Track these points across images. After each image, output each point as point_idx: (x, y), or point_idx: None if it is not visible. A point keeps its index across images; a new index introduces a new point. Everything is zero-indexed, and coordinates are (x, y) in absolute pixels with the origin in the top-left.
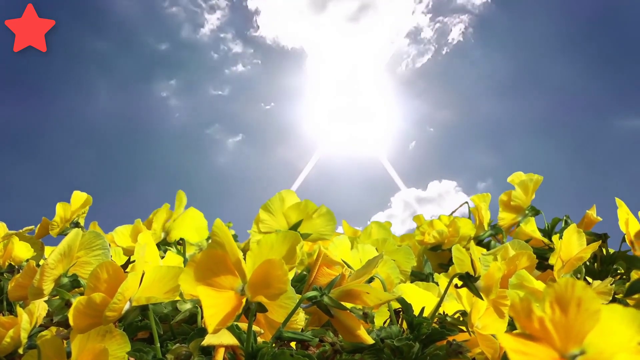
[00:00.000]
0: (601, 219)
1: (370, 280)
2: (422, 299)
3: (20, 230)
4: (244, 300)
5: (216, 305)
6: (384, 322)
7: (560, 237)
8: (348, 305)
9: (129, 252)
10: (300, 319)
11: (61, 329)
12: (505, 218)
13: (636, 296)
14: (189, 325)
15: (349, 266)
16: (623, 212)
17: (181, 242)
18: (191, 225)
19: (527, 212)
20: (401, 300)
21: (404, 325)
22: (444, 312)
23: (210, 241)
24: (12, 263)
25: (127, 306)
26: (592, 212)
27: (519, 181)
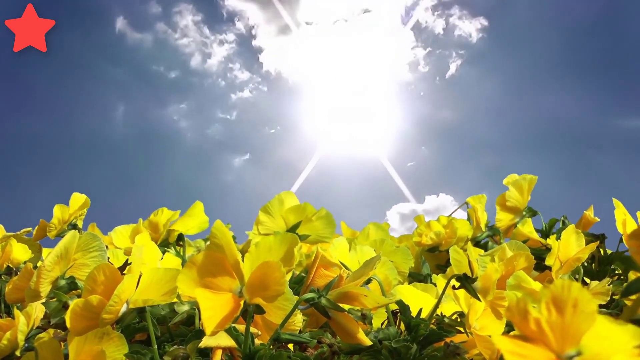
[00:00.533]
0: (599, 220)
1: (368, 281)
2: (419, 300)
3: (18, 232)
4: (242, 302)
5: (214, 307)
6: (382, 324)
7: (558, 238)
8: (346, 306)
9: (129, 253)
10: (298, 320)
11: (59, 331)
12: (502, 219)
13: (633, 297)
14: (187, 327)
15: (346, 268)
16: (620, 212)
17: (181, 244)
18: (191, 221)
19: (524, 213)
20: (399, 302)
21: (402, 326)
22: (441, 314)
23: (209, 242)
24: (10, 265)
25: (124, 308)
26: (590, 213)
27: (513, 181)
